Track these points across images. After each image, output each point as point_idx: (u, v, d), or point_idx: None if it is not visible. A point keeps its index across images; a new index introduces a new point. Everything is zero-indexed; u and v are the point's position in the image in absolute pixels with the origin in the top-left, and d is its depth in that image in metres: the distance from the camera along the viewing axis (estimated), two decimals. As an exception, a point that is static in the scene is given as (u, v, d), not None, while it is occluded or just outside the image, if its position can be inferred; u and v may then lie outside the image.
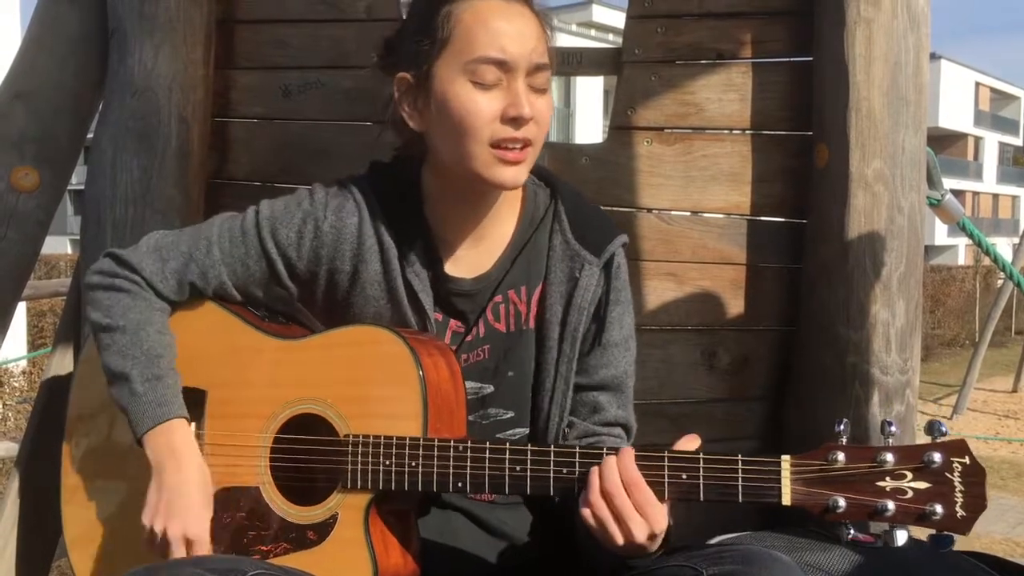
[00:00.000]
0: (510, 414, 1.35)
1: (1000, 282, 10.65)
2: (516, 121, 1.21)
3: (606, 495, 1.10)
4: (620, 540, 1.10)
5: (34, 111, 1.84)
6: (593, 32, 29.18)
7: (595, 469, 1.12)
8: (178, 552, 1.22)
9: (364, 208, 1.31)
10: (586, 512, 1.11)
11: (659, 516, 1.10)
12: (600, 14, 31.12)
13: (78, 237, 1.96)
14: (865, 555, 1.46)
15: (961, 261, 30.30)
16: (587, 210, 1.39)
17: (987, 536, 4.65)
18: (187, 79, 1.83)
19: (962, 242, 34.00)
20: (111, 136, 1.81)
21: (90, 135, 1.92)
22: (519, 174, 1.25)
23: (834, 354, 1.78)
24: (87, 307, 1.34)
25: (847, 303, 1.76)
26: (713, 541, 1.55)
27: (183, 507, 1.23)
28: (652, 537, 1.10)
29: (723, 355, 1.94)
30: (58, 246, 23.05)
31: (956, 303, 15.13)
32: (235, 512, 1.27)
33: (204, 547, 1.23)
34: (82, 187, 1.89)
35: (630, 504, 1.09)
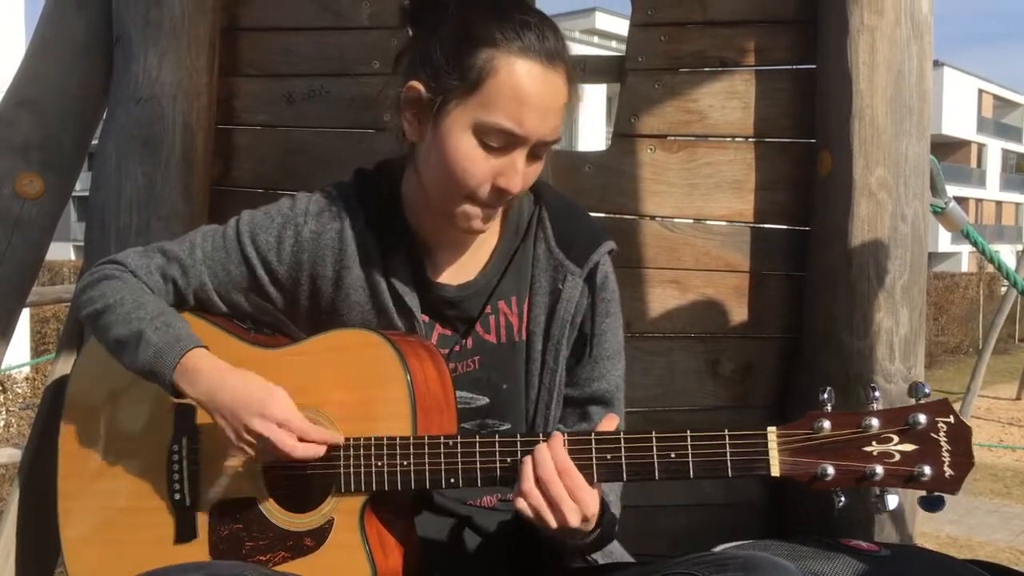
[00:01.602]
0: (507, 426, 1.35)
1: (1004, 289, 10.62)
2: (504, 193, 1.21)
3: (540, 483, 1.11)
4: (554, 525, 1.11)
5: (39, 118, 1.84)
6: (596, 39, 29.18)
7: (528, 458, 1.13)
8: (280, 440, 1.17)
9: (346, 214, 1.31)
10: (520, 502, 1.12)
11: (590, 501, 1.12)
12: (603, 21, 31.17)
13: (82, 243, 1.96)
14: (869, 565, 1.45)
15: (964, 268, 30.29)
16: (572, 216, 1.37)
17: (991, 544, 4.64)
18: (191, 86, 1.83)
19: (966, 249, 33.97)
20: (116, 143, 1.82)
21: (95, 142, 1.93)
22: (487, 226, 1.27)
23: (838, 362, 1.77)
24: (80, 311, 1.34)
25: (851, 311, 1.76)
26: (716, 549, 1.54)
27: (252, 401, 1.19)
28: (585, 520, 1.12)
29: (726, 363, 1.94)
30: (62, 252, 23.08)
31: (960, 310, 15.10)
32: (232, 523, 1.27)
33: (296, 421, 1.19)
34: (86, 193, 1.89)
35: (563, 490, 1.11)
